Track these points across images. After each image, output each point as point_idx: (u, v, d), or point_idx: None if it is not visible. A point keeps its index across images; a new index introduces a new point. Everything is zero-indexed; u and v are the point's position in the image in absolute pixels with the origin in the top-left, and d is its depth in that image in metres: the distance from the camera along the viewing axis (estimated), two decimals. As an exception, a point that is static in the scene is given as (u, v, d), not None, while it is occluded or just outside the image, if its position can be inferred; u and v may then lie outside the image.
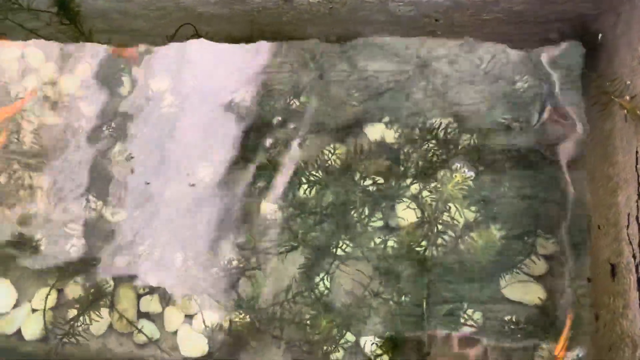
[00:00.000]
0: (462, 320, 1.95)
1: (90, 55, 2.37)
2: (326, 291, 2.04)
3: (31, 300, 2.16)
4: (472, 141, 2.09)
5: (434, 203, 1.92)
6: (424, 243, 1.86)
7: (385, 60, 2.25)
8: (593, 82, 1.99)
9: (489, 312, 2.00)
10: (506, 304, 2.02)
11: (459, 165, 1.99)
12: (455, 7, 2.05)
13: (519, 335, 1.98)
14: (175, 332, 2.12)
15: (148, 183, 2.17)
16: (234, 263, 2.08)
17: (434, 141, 2.09)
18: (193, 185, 2.16)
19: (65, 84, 2.39)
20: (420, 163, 2.08)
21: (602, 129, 1.95)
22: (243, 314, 2.06)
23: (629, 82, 1.72)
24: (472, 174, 1.95)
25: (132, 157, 2.19)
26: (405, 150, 2.14)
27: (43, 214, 2.23)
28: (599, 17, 2.02)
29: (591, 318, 1.97)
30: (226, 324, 2.07)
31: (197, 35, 2.24)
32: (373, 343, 1.98)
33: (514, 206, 2.01)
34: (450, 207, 1.86)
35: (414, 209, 2.00)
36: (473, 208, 1.92)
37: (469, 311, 1.97)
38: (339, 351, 2.01)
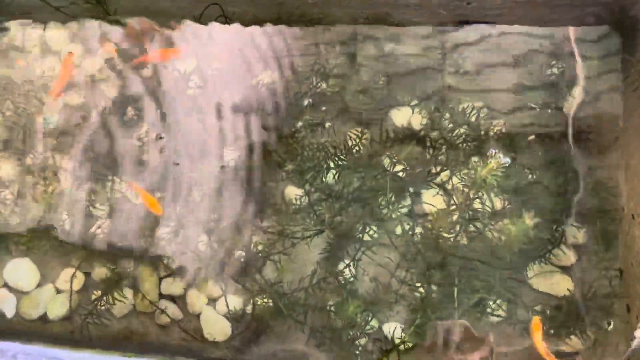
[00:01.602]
0: (489, 310, 1.92)
1: (115, 36, 2.35)
2: (351, 277, 2.02)
3: (55, 282, 2.17)
4: (503, 127, 2.05)
5: (465, 189, 1.88)
6: (453, 230, 1.83)
7: (413, 43, 2.21)
8: (633, 67, 1.93)
9: (517, 302, 1.97)
10: (534, 294, 1.98)
11: (494, 151, 1.95)
12: (488, -11, 2.00)
13: (546, 326, 1.95)
14: (198, 315, 2.11)
15: (177, 164, 2.16)
16: (260, 247, 2.06)
17: (465, 127, 2.04)
18: (222, 167, 2.14)
19: (88, 64, 2.37)
20: (449, 149, 2.04)
21: (639, 116, 1.89)
22: (267, 299, 2.04)
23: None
24: (507, 160, 1.90)
25: (161, 137, 2.17)
26: (433, 136, 2.10)
27: (68, 195, 2.22)
28: (638, 1, 1.96)
29: (623, 309, 1.93)
30: (249, 308, 2.06)
31: (223, 16, 2.21)
32: (398, 330, 1.96)
33: (545, 194, 1.96)
34: (482, 194, 1.82)
35: (443, 195, 1.96)
36: (505, 195, 1.88)
37: (498, 301, 1.94)
38: (363, 338, 1.99)
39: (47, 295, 2.16)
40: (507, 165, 1.86)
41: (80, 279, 2.16)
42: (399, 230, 2.01)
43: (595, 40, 2.09)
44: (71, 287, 2.13)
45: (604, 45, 2.08)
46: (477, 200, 1.84)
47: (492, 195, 1.88)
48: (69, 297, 2.12)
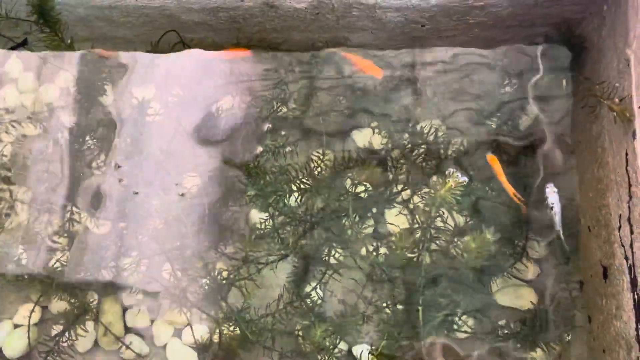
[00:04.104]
0: (455, 327, 1.93)
1: (71, 64, 2.32)
2: (319, 300, 2.02)
3: (13, 317, 2.10)
4: (461, 146, 2.09)
5: (426, 208, 1.91)
6: (417, 249, 1.85)
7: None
8: (581, 85, 2.01)
9: (482, 318, 1.99)
10: (498, 309, 2.01)
11: (452, 170, 1.99)
12: (442, 12, 2.05)
13: (512, 340, 1.97)
14: (164, 347, 2.07)
15: (137, 193, 2.13)
16: (224, 274, 2.03)
17: (423, 146, 2.08)
18: (182, 195, 2.12)
19: (44, 94, 2.34)
20: (410, 168, 2.07)
21: (590, 131, 1.96)
22: (233, 326, 2.02)
23: (617, 85, 1.73)
24: (465, 179, 1.95)
25: (119, 167, 2.14)
26: (394, 156, 2.13)
27: (24, 227, 2.16)
28: (584, 20, 2.04)
29: (584, 320, 1.97)
30: (216, 337, 2.03)
31: (181, 42, 2.21)
32: (367, 352, 1.95)
33: (504, 210, 2.01)
34: (443, 212, 1.85)
35: (406, 214, 1.99)
36: (464, 213, 1.92)
37: (463, 317, 1.96)
38: (332, 361, 1.98)
39: (4, 332, 2.08)
40: (464, 183, 1.90)
41: (37, 312, 2.08)
42: (363, 251, 2.02)
43: (546, 59, 2.16)
44: (29, 322, 2.06)
45: (554, 65, 2.16)
46: (439, 218, 1.86)
47: (453, 213, 1.92)
48: (26, 333, 2.05)
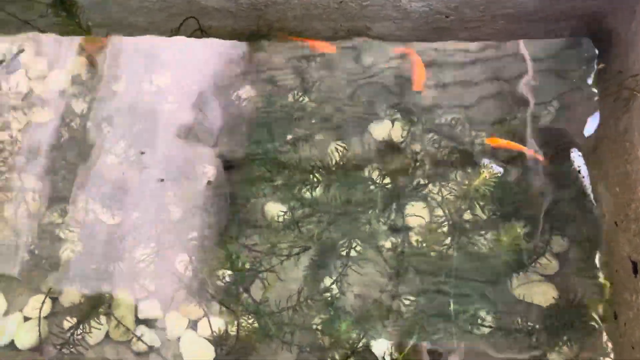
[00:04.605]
0: (479, 321, 1.90)
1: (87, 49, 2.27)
2: (339, 294, 1.98)
3: (22, 309, 2.03)
4: (484, 139, 2.07)
5: (456, 201, 1.88)
6: (445, 243, 1.81)
7: (393, 57, 2.21)
8: (609, 78, 1.98)
9: (502, 314, 1.96)
10: (519, 305, 1.98)
11: (486, 161, 1.95)
12: (468, 3, 2.02)
13: (533, 337, 1.94)
14: (178, 339, 2.02)
15: (162, 180, 2.07)
16: (247, 265, 1.99)
17: (445, 140, 2.05)
18: (209, 182, 2.07)
19: (56, 80, 2.28)
20: (433, 160, 2.04)
21: (616, 126, 1.94)
22: (252, 319, 1.97)
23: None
24: (500, 170, 1.91)
25: (142, 153, 2.08)
26: (416, 149, 2.10)
27: (36, 218, 2.11)
28: (613, 13, 2.02)
29: (609, 316, 1.95)
30: (234, 330, 1.98)
31: (200, 30, 2.16)
32: (388, 347, 1.92)
33: (529, 204, 1.98)
34: (474, 205, 1.82)
35: (435, 207, 1.95)
36: (490, 207, 1.88)
37: (483, 312, 1.93)
38: (352, 356, 1.94)
39: (14, 324, 2.02)
40: (499, 174, 1.86)
41: (47, 304, 2.02)
42: (388, 244, 1.98)
43: (573, 52, 2.14)
44: (40, 314, 2.00)
45: (581, 57, 2.13)
46: (468, 211, 1.83)
47: (481, 205, 1.88)
48: (37, 325, 1.99)
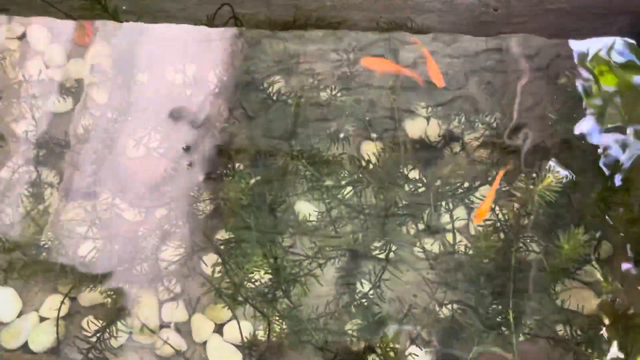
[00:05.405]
0: (526, 330, 1.83)
1: (106, 37, 2.16)
2: (378, 299, 1.89)
3: (39, 309, 1.92)
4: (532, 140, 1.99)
5: (513, 205, 1.79)
6: (501, 249, 1.72)
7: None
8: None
9: (544, 321, 1.89)
10: (561, 312, 1.91)
11: (552, 164, 1.87)
12: (519, -4, 1.94)
13: (574, 345, 1.87)
14: (204, 343, 1.92)
15: (190, 165, 1.96)
16: (287, 269, 1.89)
17: (496, 137, 1.97)
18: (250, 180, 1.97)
19: (74, 68, 2.17)
20: (477, 161, 1.96)
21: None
22: (285, 324, 1.88)
23: None
24: (566, 174, 1.82)
25: (187, 149, 1.97)
26: (455, 149, 2.02)
27: (53, 213, 2.00)
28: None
29: (658, 327, 1.88)
30: (264, 334, 1.89)
31: (234, 17, 2.05)
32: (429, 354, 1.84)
33: (580, 209, 1.90)
34: (533, 209, 1.73)
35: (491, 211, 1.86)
36: (552, 210, 1.80)
37: (527, 319, 1.85)
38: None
39: (29, 325, 1.91)
40: (564, 180, 1.78)
41: (65, 304, 1.91)
42: (435, 248, 1.89)
43: (620, 50, 2.07)
44: (58, 315, 1.89)
45: (628, 56, 2.07)
46: (525, 216, 1.74)
47: (540, 210, 1.80)
48: (54, 326, 1.88)
